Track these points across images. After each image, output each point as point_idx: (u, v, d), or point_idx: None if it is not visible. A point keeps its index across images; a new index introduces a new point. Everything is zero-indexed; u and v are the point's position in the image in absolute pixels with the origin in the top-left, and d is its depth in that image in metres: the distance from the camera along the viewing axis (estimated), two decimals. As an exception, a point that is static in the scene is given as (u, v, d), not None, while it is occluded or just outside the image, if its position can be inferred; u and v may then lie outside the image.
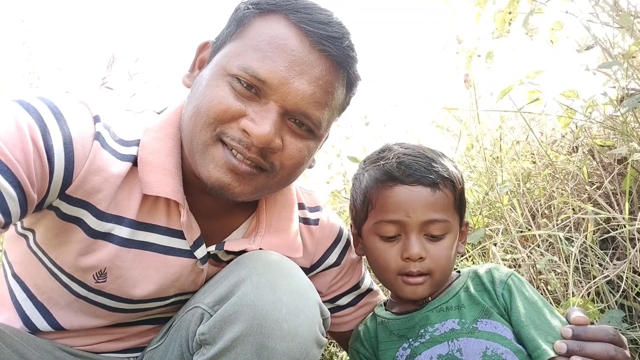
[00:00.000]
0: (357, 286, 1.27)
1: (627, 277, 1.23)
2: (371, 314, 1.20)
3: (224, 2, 1.02)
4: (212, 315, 0.91)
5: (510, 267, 1.55)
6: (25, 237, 0.99)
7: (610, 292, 1.29)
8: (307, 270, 1.15)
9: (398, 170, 1.06)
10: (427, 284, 1.05)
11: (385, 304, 1.20)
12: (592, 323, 1.18)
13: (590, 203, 1.46)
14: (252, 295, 0.86)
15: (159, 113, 1.07)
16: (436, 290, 1.08)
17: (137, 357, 1.13)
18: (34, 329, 1.03)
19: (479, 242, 1.66)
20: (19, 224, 1.00)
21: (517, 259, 1.53)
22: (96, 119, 0.91)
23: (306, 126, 0.94)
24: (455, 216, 1.08)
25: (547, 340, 0.91)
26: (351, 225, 1.21)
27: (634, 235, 1.28)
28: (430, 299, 1.08)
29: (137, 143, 0.96)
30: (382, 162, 1.10)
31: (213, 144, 0.91)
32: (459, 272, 1.14)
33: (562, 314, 0.97)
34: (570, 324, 0.93)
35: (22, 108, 0.83)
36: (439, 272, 1.05)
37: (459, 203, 1.09)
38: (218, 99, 0.89)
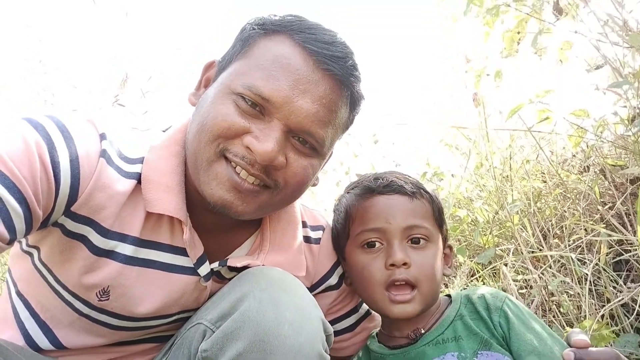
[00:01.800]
0: (355, 309, 1.25)
1: (641, 301, 1.20)
2: (364, 347, 1.18)
3: (235, 24, 1.04)
4: (214, 332, 0.90)
5: (521, 288, 1.52)
6: (30, 254, 0.99)
7: (625, 315, 1.26)
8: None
9: (375, 183, 1.11)
10: (416, 300, 1.02)
11: (377, 335, 1.17)
12: (604, 345, 1.15)
13: (603, 223, 1.44)
14: (255, 312, 0.86)
15: (164, 131, 1.08)
16: (426, 309, 1.05)
17: (139, 375, 1.12)
18: (36, 348, 1.02)
19: (490, 262, 1.63)
20: (24, 241, 1.00)
21: (529, 280, 1.49)
22: (102, 137, 0.93)
23: (310, 144, 0.94)
24: (435, 228, 1.08)
25: None
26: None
27: (648, 257, 1.25)
28: (423, 331, 1.05)
29: (141, 161, 0.97)
30: (361, 181, 1.16)
31: (216, 160, 0.91)
32: (449, 296, 1.12)
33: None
34: (571, 346, 0.91)
35: (30, 126, 0.84)
36: (426, 284, 1.02)
37: (439, 219, 1.10)
38: (222, 116, 0.90)
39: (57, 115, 0.90)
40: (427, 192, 1.11)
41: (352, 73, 0.96)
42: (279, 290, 0.91)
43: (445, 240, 1.13)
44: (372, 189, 1.10)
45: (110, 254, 0.94)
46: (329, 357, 0.93)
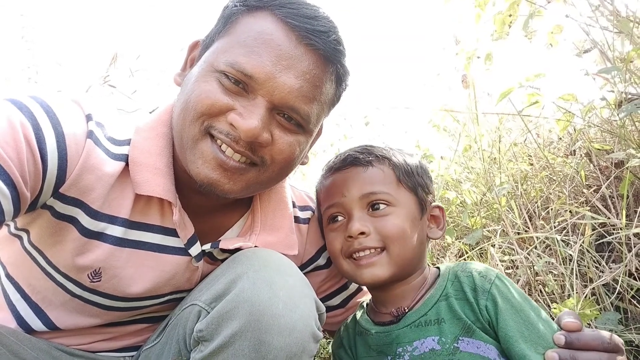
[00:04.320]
0: (345, 286, 1.28)
1: (622, 280, 1.24)
2: (352, 315, 1.19)
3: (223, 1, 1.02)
4: (209, 312, 0.91)
5: (508, 268, 1.56)
6: (19, 237, 0.99)
7: (607, 294, 1.30)
8: None
9: (335, 161, 1.14)
10: (384, 261, 1.02)
11: (367, 306, 1.18)
12: (588, 325, 1.19)
13: (588, 206, 1.47)
14: (249, 292, 0.87)
15: (150, 113, 1.07)
16: (402, 274, 1.04)
17: (132, 356, 1.13)
18: (28, 329, 1.03)
19: (477, 243, 1.67)
20: (12, 224, 0.99)
21: (515, 261, 1.53)
22: (88, 118, 0.92)
23: (295, 120, 0.94)
24: (401, 192, 1.06)
25: (538, 351, 0.87)
26: None
27: (629, 239, 1.29)
28: (406, 309, 1.04)
29: (129, 142, 0.96)
30: (328, 162, 1.18)
31: (202, 138, 0.91)
32: (438, 268, 1.11)
33: (556, 313, 0.95)
34: (561, 329, 0.89)
35: (14, 107, 0.83)
36: (395, 246, 1.01)
37: (409, 181, 1.08)
38: (206, 94, 0.90)
39: (41, 96, 0.89)
40: (386, 157, 1.09)
41: (336, 47, 0.95)
42: (273, 270, 0.92)
43: (424, 202, 1.10)
44: (331, 167, 1.14)
45: (100, 236, 0.94)
46: (321, 334, 0.95)
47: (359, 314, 1.15)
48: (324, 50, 0.93)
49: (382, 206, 1.04)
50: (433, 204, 1.13)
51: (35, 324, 1.03)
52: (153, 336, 1.11)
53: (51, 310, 1.02)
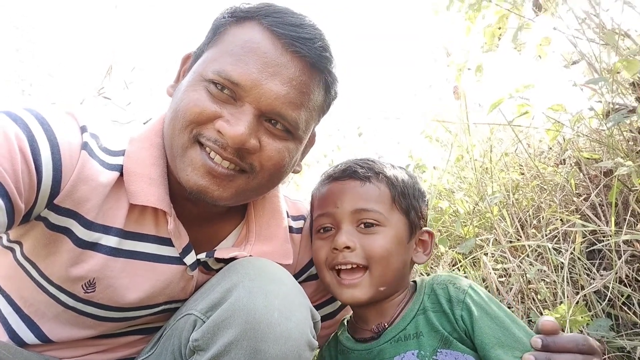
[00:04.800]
0: (334, 297, 1.28)
1: (613, 287, 1.26)
2: (333, 335, 1.19)
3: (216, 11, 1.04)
4: (205, 322, 0.91)
5: (500, 276, 1.57)
6: (12, 250, 0.98)
7: (598, 301, 1.32)
8: None
9: (335, 170, 1.13)
10: (365, 283, 1.02)
11: (348, 323, 1.18)
12: (580, 331, 1.21)
13: (578, 214, 1.49)
14: (245, 300, 0.87)
15: (144, 124, 1.08)
16: (380, 296, 1.05)
17: (126, 368, 1.12)
18: (20, 343, 1.02)
19: (470, 252, 1.68)
20: (4, 237, 0.99)
21: (508, 269, 1.55)
22: (83, 129, 0.93)
23: (283, 127, 0.95)
24: (394, 213, 1.06)
25: (515, 355, 0.88)
26: None
27: (619, 246, 1.31)
28: (386, 325, 1.05)
29: (123, 153, 0.97)
30: (328, 170, 1.18)
31: (191, 146, 0.92)
32: (414, 282, 1.12)
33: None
34: (540, 332, 0.90)
35: (9, 119, 0.83)
36: (377, 267, 1.01)
37: (403, 203, 1.07)
38: (194, 102, 0.91)
39: (36, 108, 0.90)
40: (385, 176, 1.08)
41: (322, 54, 0.96)
42: (268, 279, 0.92)
43: (415, 226, 1.10)
44: (330, 175, 1.13)
45: (94, 246, 0.94)
46: (316, 343, 0.95)
47: (339, 332, 1.16)
48: (310, 57, 0.94)
49: (372, 224, 1.04)
50: (424, 228, 1.14)
51: (28, 337, 1.02)
52: (147, 347, 1.11)
53: (44, 322, 1.02)
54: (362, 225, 1.05)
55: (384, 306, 1.07)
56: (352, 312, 1.18)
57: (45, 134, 0.85)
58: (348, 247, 1.02)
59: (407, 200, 1.09)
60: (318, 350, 1.21)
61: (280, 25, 0.93)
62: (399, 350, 0.99)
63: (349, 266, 1.03)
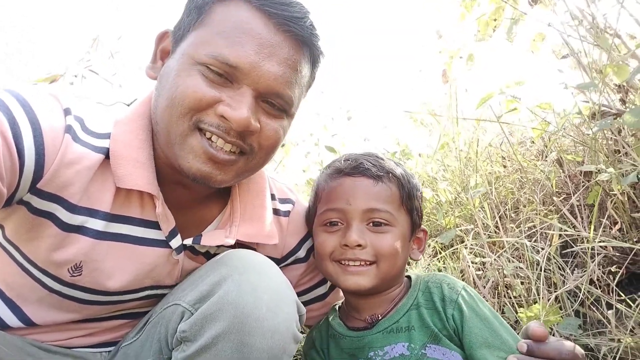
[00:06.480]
0: (324, 280, 1.30)
1: (584, 288, 1.32)
2: (324, 319, 1.22)
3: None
4: (193, 313, 0.92)
5: (478, 269, 1.62)
6: None
7: (569, 299, 1.38)
8: (276, 262, 1.17)
9: (345, 164, 1.13)
10: (371, 273, 1.05)
11: (339, 309, 1.21)
12: (551, 329, 1.27)
13: (557, 214, 1.54)
14: (234, 294, 0.89)
15: (128, 105, 1.05)
16: (381, 288, 1.08)
17: (109, 351, 1.13)
18: (3, 326, 1.01)
19: (451, 244, 1.73)
20: None
21: (485, 263, 1.60)
22: (67, 112, 0.90)
23: (279, 106, 0.96)
24: (401, 213, 1.09)
25: (500, 356, 0.93)
26: None
27: (593, 248, 1.37)
28: (380, 317, 1.08)
29: (108, 136, 0.95)
30: (335, 160, 1.18)
31: (190, 133, 0.91)
32: (409, 277, 1.16)
33: (522, 317, 1.00)
34: (529, 336, 0.94)
35: None
36: (384, 263, 1.05)
37: (409, 204, 1.11)
38: (192, 88, 0.90)
39: (18, 90, 0.86)
40: (396, 176, 1.10)
41: (312, 32, 0.97)
42: (256, 273, 0.93)
43: (416, 225, 1.14)
44: (340, 169, 1.13)
45: (79, 230, 0.93)
46: (301, 336, 0.98)
47: (331, 317, 1.18)
48: (302, 36, 0.94)
49: (381, 223, 1.06)
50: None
51: (11, 320, 1.01)
52: (132, 333, 1.11)
53: (27, 305, 1.01)
54: (372, 224, 1.07)
55: (380, 299, 1.10)
56: (344, 299, 1.21)
57: (28, 117, 0.83)
58: (360, 245, 1.04)
59: (412, 201, 1.12)
60: (308, 331, 1.24)
61: (270, 4, 0.92)
62: (390, 341, 1.03)
63: (357, 263, 1.05)
